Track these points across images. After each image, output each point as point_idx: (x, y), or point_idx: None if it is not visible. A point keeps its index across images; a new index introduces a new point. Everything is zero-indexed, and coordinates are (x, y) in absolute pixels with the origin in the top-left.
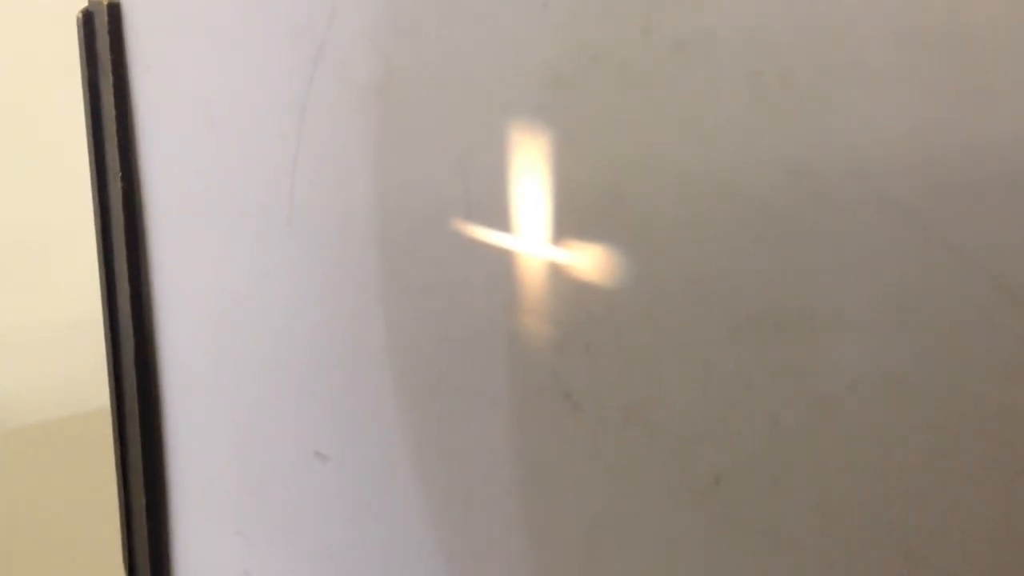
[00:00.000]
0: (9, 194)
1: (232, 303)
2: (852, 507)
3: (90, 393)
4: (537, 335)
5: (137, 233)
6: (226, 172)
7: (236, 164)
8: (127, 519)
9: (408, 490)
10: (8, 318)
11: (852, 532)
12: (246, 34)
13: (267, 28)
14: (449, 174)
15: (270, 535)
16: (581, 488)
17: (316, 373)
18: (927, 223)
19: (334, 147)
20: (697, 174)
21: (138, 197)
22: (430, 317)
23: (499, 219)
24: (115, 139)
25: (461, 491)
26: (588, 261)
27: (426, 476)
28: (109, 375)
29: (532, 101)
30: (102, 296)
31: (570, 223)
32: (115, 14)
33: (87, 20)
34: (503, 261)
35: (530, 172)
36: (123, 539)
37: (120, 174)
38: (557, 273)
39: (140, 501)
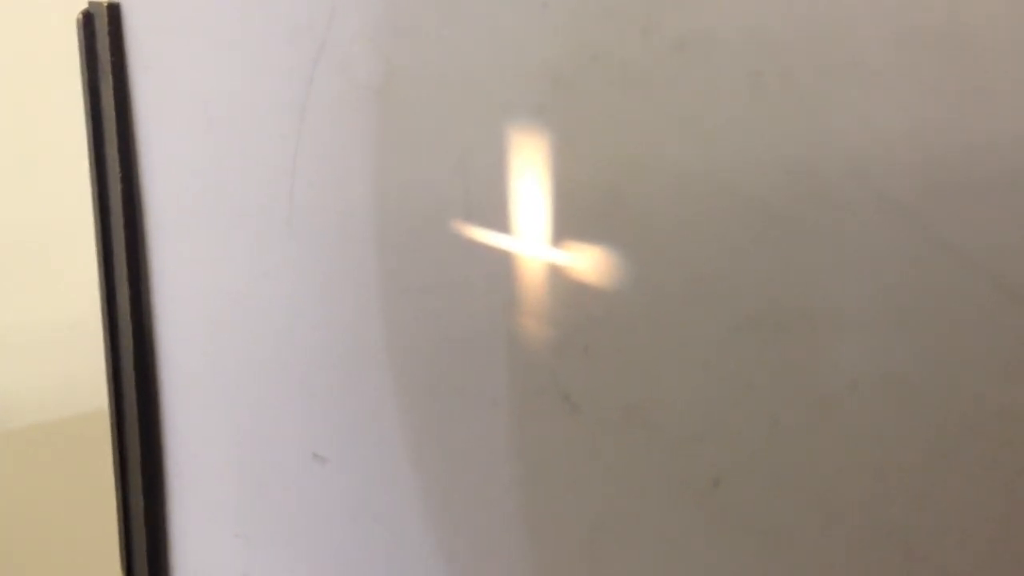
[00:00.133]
0: (9, 194)
1: (231, 303)
2: (852, 507)
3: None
4: (536, 336)
5: (137, 233)
6: (226, 172)
7: (236, 164)
8: (125, 520)
9: (408, 491)
10: (8, 318)
11: (852, 532)
12: (246, 35)
13: (267, 28)
14: (449, 174)
15: (269, 536)
16: (581, 488)
17: (316, 373)
18: (927, 223)
19: (334, 147)
20: (697, 174)
21: (138, 197)
22: (430, 317)
23: (499, 220)
24: (115, 140)
25: (461, 491)
26: (587, 262)
27: (426, 476)
28: (107, 376)
29: (532, 101)
30: (101, 297)
31: (569, 223)
32: (115, 15)
33: (87, 21)
34: (503, 262)
35: (530, 172)
36: (121, 540)
37: (120, 175)
38: (556, 274)
39: (138, 502)
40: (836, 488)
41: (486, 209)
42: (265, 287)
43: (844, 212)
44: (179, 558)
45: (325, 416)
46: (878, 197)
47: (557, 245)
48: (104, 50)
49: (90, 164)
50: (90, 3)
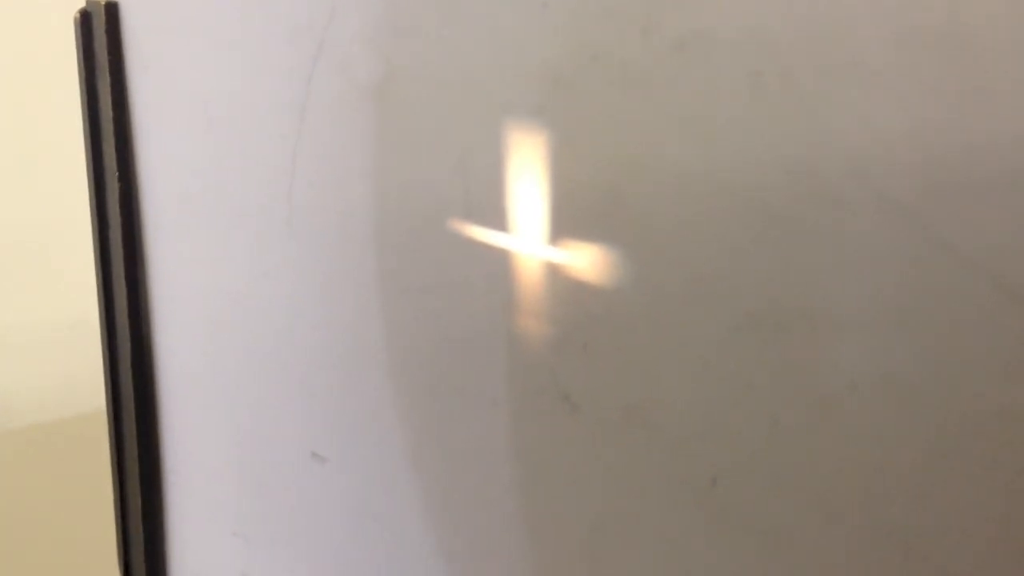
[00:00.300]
0: (8, 194)
1: (231, 304)
2: (851, 507)
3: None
4: (536, 335)
5: (135, 233)
6: (225, 172)
7: (235, 164)
8: (123, 520)
9: (407, 491)
10: (7, 318)
11: (851, 532)
12: (245, 34)
13: (266, 28)
14: (449, 174)
15: (268, 536)
16: (580, 488)
17: (315, 373)
18: (927, 223)
19: (334, 147)
20: (697, 174)
21: (136, 197)
22: (429, 317)
23: (499, 219)
24: (112, 139)
25: (460, 491)
26: (587, 261)
27: (425, 476)
28: (105, 376)
29: (532, 101)
30: (99, 297)
31: (569, 223)
32: (113, 14)
33: (84, 20)
34: (502, 261)
35: (530, 172)
36: (119, 540)
37: (117, 174)
38: (556, 273)
39: (136, 502)
40: (835, 488)
41: (486, 209)
42: (264, 287)
43: (844, 212)
44: (177, 557)
45: (324, 415)
46: (878, 197)
47: (556, 244)
48: (102, 49)
49: (87, 164)
50: (88, 2)
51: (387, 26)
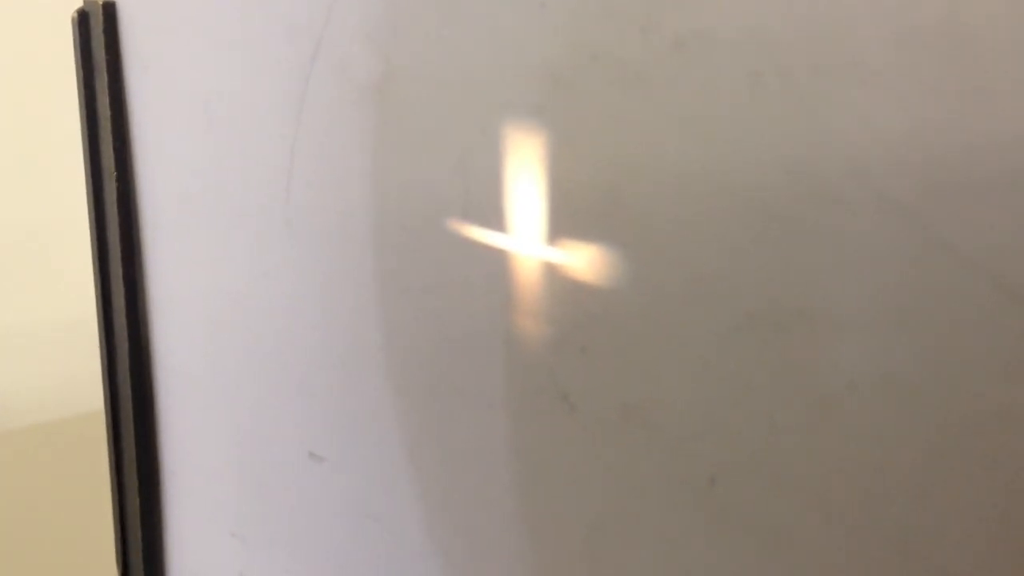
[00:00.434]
0: (8, 194)
1: (229, 304)
2: (850, 507)
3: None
4: (534, 335)
5: (133, 233)
6: (223, 172)
7: (233, 164)
8: (121, 520)
9: (406, 491)
10: (7, 318)
11: (850, 532)
12: (243, 33)
13: (264, 27)
14: (448, 174)
15: (266, 536)
16: (579, 488)
17: (313, 373)
18: (927, 223)
19: (332, 147)
20: (696, 174)
21: (134, 197)
22: (428, 317)
23: (498, 219)
24: (110, 139)
25: (459, 490)
26: (586, 261)
27: (424, 476)
28: (103, 377)
29: (531, 101)
30: (97, 297)
31: (568, 223)
32: (110, 14)
33: (82, 20)
34: (501, 261)
35: (528, 172)
36: (117, 540)
37: (115, 174)
38: (555, 273)
39: (135, 503)
40: (834, 488)
41: (485, 208)
42: (263, 287)
43: (843, 212)
44: (175, 557)
45: (323, 416)
46: (878, 197)
47: (555, 244)
48: (99, 49)
49: (85, 163)
50: (85, 2)
51: (386, 25)
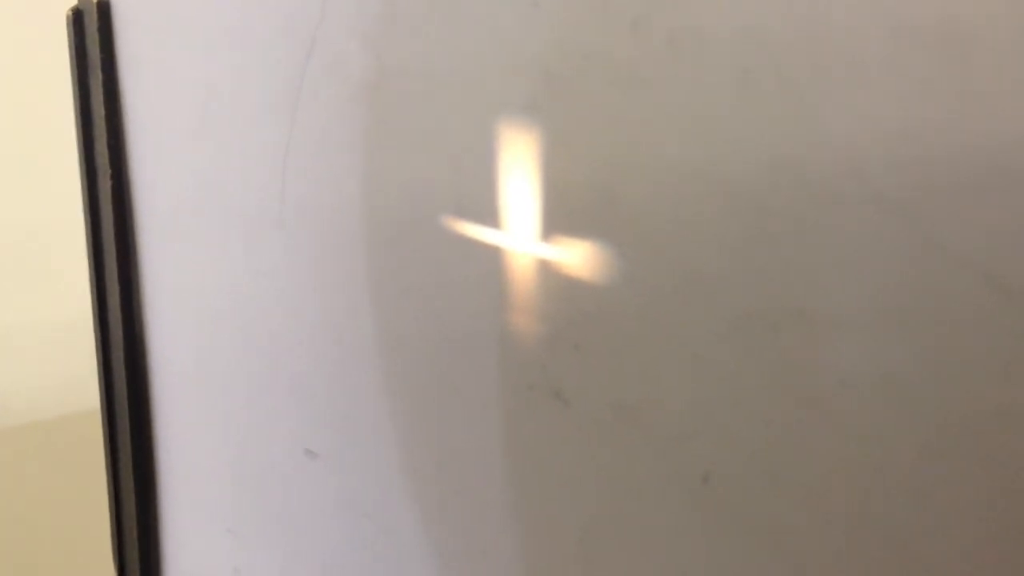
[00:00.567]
0: (6, 194)
1: (225, 302)
2: (844, 504)
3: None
4: (528, 333)
5: (127, 232)
6: (217, 170)
7: (227, 162)
8: (117, 518)
9: (399, 487)
10: (5, 317)
11: (844, 529)
12: (237, 31)
13: (258, 26)
14: (441, 171)
15: (261, 533)
16: (573, 485)
17: (308, 371)
18: (922, 221)
19: (326, 145)
20: (690, 172)
21: (128, 195)
22: (422, 315)
23: (490, 217)
24: (104, 137)
25: (452, 487)
26: (579, 259)
27: (417, 473)
28: (99, 375)
29: (524, 99)
30: (92, 295)
31: (561, 220)
32: (105, 12)
33: (77, 19)
34: (495, 259)
35: (521, 169)
36: (113, 537)
37: (109, 172)
38: (548, 270)
39: (130, 500)
40: (828, 485)
41: (478, 206)
42: (256, 285)
43: (838, 210)
44: (171, 554)
45: (317, 413)
46: (872, 195)
47: (548, 242)
48: (94, 47)
49: (80, 162)
50: (80, 0)
51: (380, 24)
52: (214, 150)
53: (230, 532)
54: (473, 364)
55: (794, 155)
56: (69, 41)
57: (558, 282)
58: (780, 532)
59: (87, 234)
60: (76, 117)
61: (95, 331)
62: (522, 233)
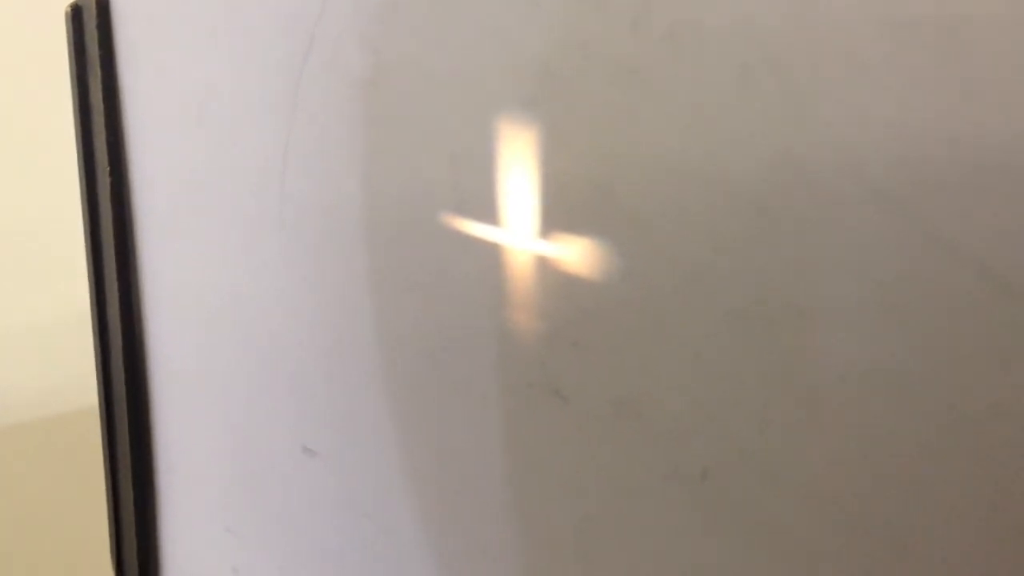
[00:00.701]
0: (4, 192)
1: (224, 300)
2: (842, 499)
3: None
4: (527, 330)
5: (126, 228)
6: (216, 167)
7: (226, 158)
8: (115, 516)
9: (397, 485)
10: (3, 315)
11: (842, 524)
12: (235, 28)
13: (257, 23)
14: (440, 168)
15: (259, 531)
16: (571, 481)
17: (306, 368)
18: (917, 216)
19: (324, 141)
20: (688, 168)
21: (127, 192)
22: (421, 312)
23: (489, 213)
24: (104, 133)
25: (451, 484)
26: (578, 256)
27: (415, 471)
28: (97, 373)
29: (523, 94)
30: (90, 292)
31: (559, 217)
32: (103, 8)
33: (75, 15)
34: (494, 256)
35: (520, 165)
36: (111, 536)
37: (108, 168)
38: (546, 267)
39: (129, 498)
40: (825, 481)
41: (477, 203)
42: (256, 282)
43: (834, 205)
44: (169, 553)
45: (316, 411)
46: (868, 190)
47: (547, 238)
48: (92, 44)
49: (78, 159)
50: None
51: (378, 20)
52: (213, 147)
53: (229, 531)
54: (472, 362)
55: (793, 151)
56: (68, 38)
57: (557, 279)
58: (779, 529)
59: (86, 231)
60: (75, 114)
61: (93, 329)
62: (521, 231)
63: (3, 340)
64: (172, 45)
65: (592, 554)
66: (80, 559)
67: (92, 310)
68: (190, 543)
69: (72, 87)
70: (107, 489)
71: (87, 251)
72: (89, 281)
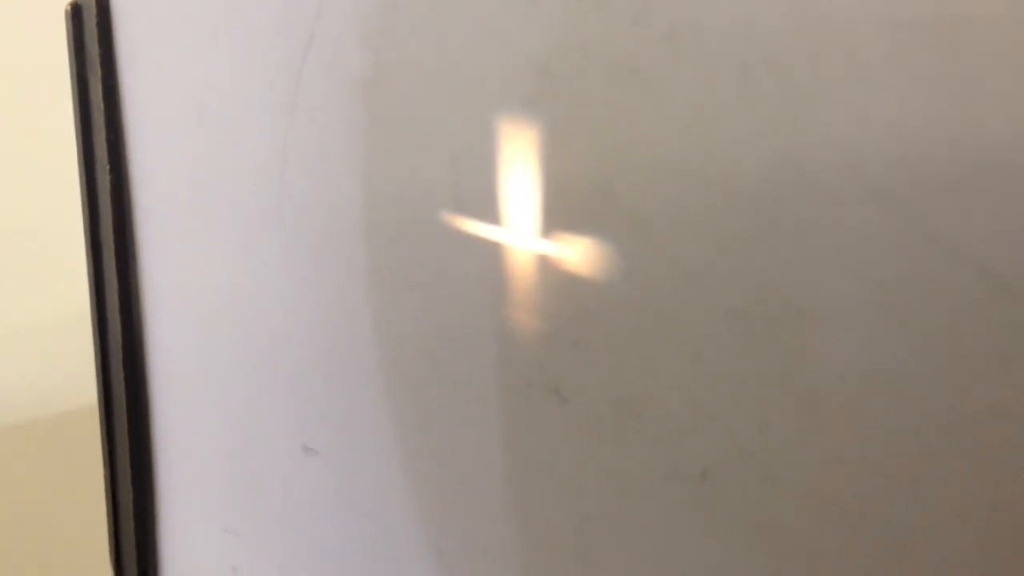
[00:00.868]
0: (4, 191)
1: (223, 299)
2: (841, 499)
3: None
4: (526, 329)
5: (126, 227)
6: (215, 166)
7: (226, 158)
8: (114, 516)
9: (397, 485)
10: (3, 314)
11: (841, 524)
12: (235, 27)
13: (256, 21)
14: (439, 167)
15: (258, 531)
16: (571, 482)
17: (306, 368)
18: (917, 216)
19: (324, 141)
20: (688, 167)
21: (127, 190)
22: (420, 311)
23: (489, 213)
24: (103, 131)
25: (450, 484)
26: (577, 255)
27: (415, 470)
28: (97, 372)
29: (522, 93)
30: (90, 292)
31: (559, 216)
32: (103, 7)
33: (75, 13)
34: (493, 255)
35: (520, 165)
36: (110, 536)
37: (108, 167)
38: (546, 267)
39: (128, 498)
40: (825, 481)
41: (476, 202)
42: (255, 281)
43: (835, 205)
44: (168, 553)
45: (315, 410)
46: (868, 190)
47: (547, 238)
48: (92, 43)
49: (78, 157)
50: None
51: (377, 19)
52: (213, 146)
53: (228, 531)
54: (472, 362)
55: (793, 151)
56: (68, 36)
57: (557, 279)
58: (779, 529)
59: (85, 228)
60: (75, 113)
61: (93, 328)
62: (521, 230)
63: (3, 340)
64: (172, 44)
65: (592, 554)
66: (79, 559)
67: (92, 310)
68: (190, 543)
69: (72, 86)
70: (106, 489)
71: (87, 250)
72: (89, 281)
